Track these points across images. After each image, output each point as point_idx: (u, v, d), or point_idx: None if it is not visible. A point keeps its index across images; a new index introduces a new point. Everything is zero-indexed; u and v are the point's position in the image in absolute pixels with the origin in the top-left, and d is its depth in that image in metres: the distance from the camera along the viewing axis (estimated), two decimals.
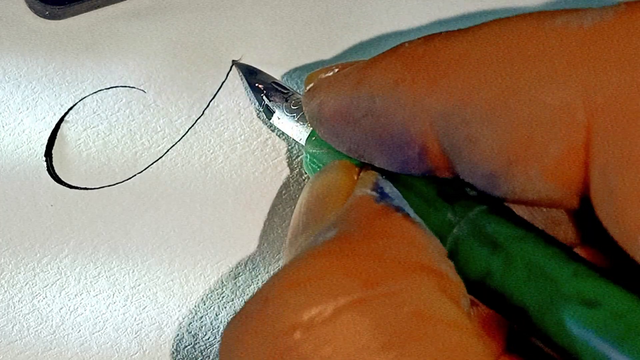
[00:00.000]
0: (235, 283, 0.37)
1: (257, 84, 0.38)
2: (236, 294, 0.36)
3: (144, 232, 0.37)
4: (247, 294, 0.36)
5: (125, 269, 0.37)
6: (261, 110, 0.38)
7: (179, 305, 0.36)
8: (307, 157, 0.34)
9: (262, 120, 0.39)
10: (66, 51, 0.41)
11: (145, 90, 0.40)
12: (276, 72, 0.41)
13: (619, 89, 0.21)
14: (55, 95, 0.40)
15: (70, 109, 0.40)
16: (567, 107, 0.22)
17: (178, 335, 0.36)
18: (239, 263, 0.37)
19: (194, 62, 0.41)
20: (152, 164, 0.39)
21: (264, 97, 0.37)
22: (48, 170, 0.38)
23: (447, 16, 0.44)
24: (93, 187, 0.38)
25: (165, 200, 0.38)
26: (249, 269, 0.37)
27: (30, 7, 0.41)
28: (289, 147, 0.39)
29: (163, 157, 0.39)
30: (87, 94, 0.40)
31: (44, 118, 0.39)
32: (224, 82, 0.41)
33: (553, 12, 0.23)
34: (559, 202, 0.24)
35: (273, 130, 0.39)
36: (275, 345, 0.21)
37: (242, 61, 0.40)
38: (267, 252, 0.37)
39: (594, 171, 0.22)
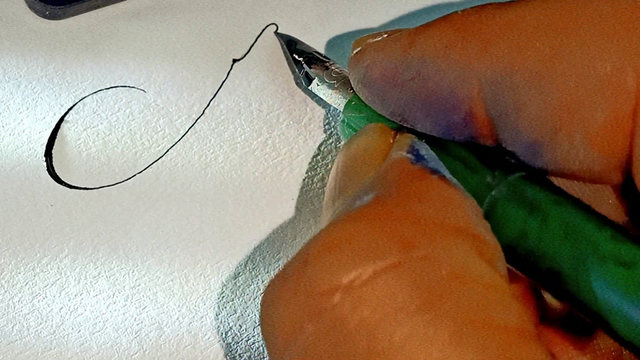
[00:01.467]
0: (235, 283, 0.37)
1: (296, 54, 0.39)
2: (236, 294, 0.36)
3: (143, 232, 0.37)
4: (247, 294, 0.36)
5: (125, 269, 0.37)
6: (300, 78, 0.38)
7: (179, 305, 0.36)
8: (344, 121, 0.34)
9: (302, 88, 0.39)
10: (66, 51, 0.41)
11: (145, 90, 0.40)
12: (281, 74, 0.41)
13: None
14: (55, 95, 0.40)
15: (70, 109, 0.40)
16: (617, 73, 0.21)
17: (178, 335, 0.36)
18: (239, 263, 0.37)
19: (194, 61, 0.41)
20: (152, 163, 0.39)
21: (304, 65, 0.37)
22: (48, 170, 0.38)
23: None
24: (93, 187, 0.38)
25: (165, 200, 0.38)
26: (249, 269, 0.37)
27: (30, 7, 0.41)
28: (289, 147, 0.39)
29: (163, 157, 0.39)
30: (87, 94, 0.40)
31: (44, 118, 0.39)
32: (224, 81, 0.41)
33: None
34: (601, 175, 0.23)
35: (313, 98, 0.39)
36: (314, 305, 0.21)
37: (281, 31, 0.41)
38: (267, 252, 0.37)
39: (638, 141, 0.22)
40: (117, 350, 0.35)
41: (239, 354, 0.36)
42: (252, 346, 0.36)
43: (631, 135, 0.22)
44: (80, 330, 0.35)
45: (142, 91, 0.40)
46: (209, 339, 0.36)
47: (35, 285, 0.36)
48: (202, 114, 0.40)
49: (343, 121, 0.34)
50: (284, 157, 0.39)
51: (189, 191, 0.38)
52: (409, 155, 0.25)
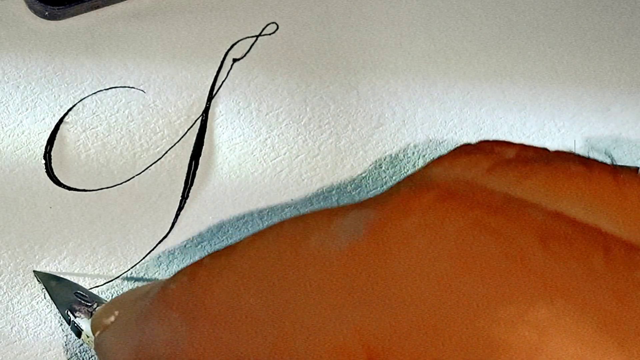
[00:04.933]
0: None
1: (60, 298, 0.36)
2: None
3: (142, 233, 0.37)
4: None
5: (124, 270, 0.37)
6: (69, 325, 0.36)
7: None
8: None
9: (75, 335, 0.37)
10: (65, 52, 0.41)
11: (145, 91, 0.40)
12: (277, 72, 0.41)
13: (394, 324, 0.19)
14: (55, 96, 0.40)
15: (70, 110, 0.40)
16: (343, 348, 0.20)
17: None
18: None
19: (194, 62, 0.41)
20: (151, 165, 0.39)
21: (69, 314, 0.35)
22: (47, 172, 0.38)
23: (447, 16, 0.44)
24: (92, 189, 0.38)
25: (164, 201, 0.38)
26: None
27: (30, 7, 0.41)
28: (289, 147, 0.39)
29: (162, 159, 0.39)
30: (87, 95, 0.40)
31: (43, 119, 0.39)
32: (223, 81, 0.41)
33: (307, 228, 0.22)
34: None
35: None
36: None
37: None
38: None
39: None
40: None
41: None
42: None
43: None
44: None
45: (141, 92, 0.40)
46: None
47: (35, 286, 0.36)
48: (201, 115, 0.40)
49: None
50: (284, 158, 0.39)
51: (188, 192, 0.38)
52: None
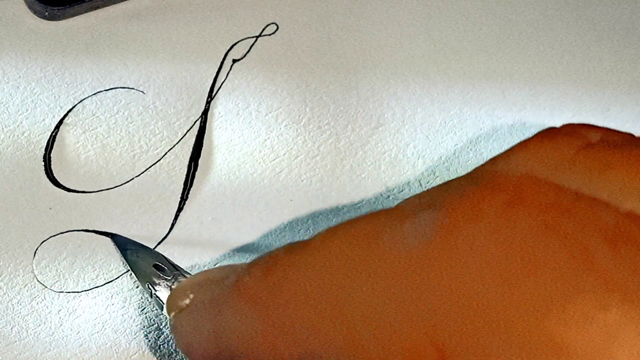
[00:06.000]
0: None
1: (139, 268, 0.36)
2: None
3: (142, 234, 0.37)
4: None
5: (124, 270, 0.37)
6: (151, 298, 0.36)
7: None
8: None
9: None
10: (65, 52, 0.41)
11: (145, 91, 0.40)
12: (277, 72, 0.41)
13: (464, 326, 0.20)
14: (55, 96, 0.40)
15: (70, 111, 0.40)
16: (414, 350, 0.20)
17: None
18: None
19: (194, 62, 0.41)
20: (151, 167, 0.39)
21: (150, 287, 0.35)
22: (46, 173, 0.38)
23: (447, 16, 0.44)
24: (91, 190, 0.38)
25: (164, 202, 0.38)
26: None
27: (29, 7, 0.41)
28: (288, 148, 0.39)
29: (161, 160, 0.39)
30: (86, 96, 0.40)
31: (43, 120, 0.39)
32: (223, 82, 0.41)
33: (379, 226, 0.22)
34: None
35: None
36: None
37: None
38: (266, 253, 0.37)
39: None
40: (116, 351, 0.35)
41: None
42: None
43: None
44: (79, 332, 0.36)
45: (141, 93, 0.40)
46: None
47: (34, 287, 0.36)
48: (200, 116, 0.40)
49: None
50: (283, 158, 0.39)
51: (187, 194, 0.38)
52: None
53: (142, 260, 0.36)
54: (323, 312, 0.22)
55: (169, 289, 0.34)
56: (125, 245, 0.37)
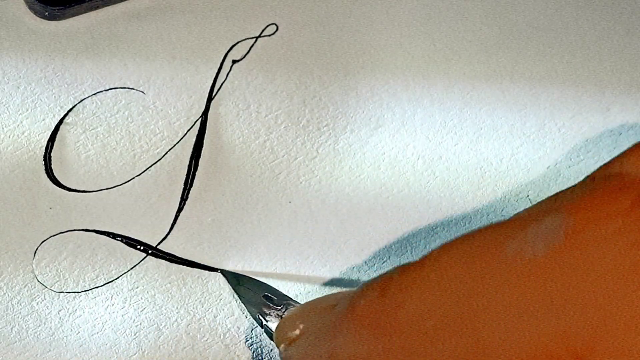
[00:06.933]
0: None
1: (250, 299, 0.36)
2: (234, 296, 0.37)
3: (142, 234, 0.37)
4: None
5: (124, 271, 0.37)
6: (262, 328, 0.36)
7: (177, 307, 0.36)
8: None
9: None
10: (65, 52, 0.41)
11: (145, 92, 0.40)
12: (277, 72, 0.41)
13: (599, 327, 0.20)
14: (55, 96, 0.40)
15: (70, 110, 0.40)
16: (547, 351, 0.20)
17: (176, 336, 0.36)
18: (235, 266, 0.37)
19: (193, 62, 0.41)
20: (151, 166, 0.39)
21: (260, 317, 0.35)
22: (47, 172, 0.38)
23: (447, 16, 0.44)
24: (91, 190, 0.38)
25: (164, 202, 0.38)
26: (247, 271, 0.37)
27: (29, 8, 0.41)
28: (287, 150, 0.39)
29: (161, 160, 0.39)
30: (87, 96, 0.40)
31: (44, 120, 0.39)
32: (223, 83, 0.41)
33: (501, 236, 0.22)
34: None
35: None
36: None
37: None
38: (264, 254, 0.37)
39: None
40: (116, 351, 0.35)
41: (237, 355, 0.36)
42: (250, 347, 0.36)
43: None
44: (79, 332, 0.36)
45: (141, 93, 0.40)
46: (207, 340, 0.36)
47: (34, 287, 0.36)
48: (200, 117, 0.40)
49: None
50: (282, 160, 0.39)
51: (187, 194, 0.38)
52: None
53: (252, 291, 0.36)
54: (446, 328, 0.22)
55: (279, 318, 0.34)
56: (235, 277, 0.37)
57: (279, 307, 0.35)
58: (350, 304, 0.26)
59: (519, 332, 0.21)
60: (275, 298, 0.35)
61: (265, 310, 0.35)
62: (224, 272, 0.37)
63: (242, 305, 0.36)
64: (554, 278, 0.21)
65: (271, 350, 0.36)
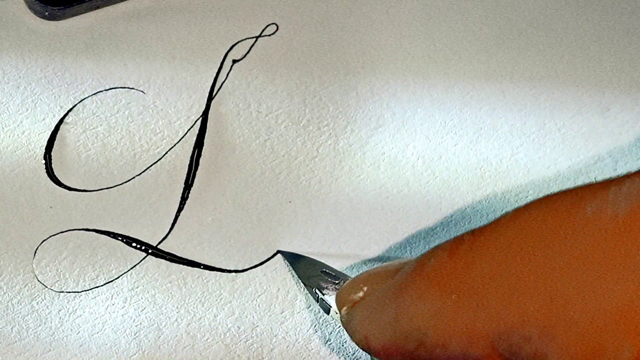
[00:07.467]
0: (232, 285, 0.37)
1: (304, 280, 0.37)
2: (234, 296, 0.37)
3: (142, 234, 0.37)
4: (245, 296, 0.37)
5: (124, 270, 0.37)
6: (317, 303, 0.36)
7: (177, 307, 0.36)
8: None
9: (321, 311, 0.37)
10: (65, 52, 0.41)
11: (145, 91, 0.40)
12: (277, 72, 0.41)
13: None
14: (55, 96, 0.40)
15: (70, 110, 0.40)
16: (630, 306, 0.20)
17: (177, 336, 0.36)
18: (236, 265, 0.37)
19: (194, 62, 0.41)
20: (151, 166, 0.39)
21: (317, 291, 0.35)
22: (47, 172, 0.38)
23: (447, 16, 0.44)
24: (92, 189, 0.38)
25: (164, 202, 0.38)
26: (247, 272, 0.37)
27: (29, 8, 0.41)
28: (288, 149, 0.39)
29: (162, 159, 0.39)
30: (87, 96, 0.40)
31: (44, 119, 0.39)
32: (223, 82, 0.41)
33: (580, 197, 0.22)
34: None
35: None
36: None
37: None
38: (264, 254, 0.37)
39: None
40: (116, 351, 0.35)
41: (238, 355, 0.36)
42: (250, 347, 0.36)
43: None
44: (79, 332, 0.36)
45: (141, 92, 0.40)
46: (207, 340, 0.36)
47: (34, 287, 0.36)
48: (200, 116, 0.40)
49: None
50: (282, 160, 0.39)
51: (188, 193, 0.38)
52: None
53: (310, 267, 0.36)
54: (520, 286, 0.22)
55: (336, 291, 0.34)
56: (294, 256, 0.37)
57: (337, 282, 0.35)
58: (418, 265, 0.26)
59: (599, 291, 0.21)
60: (333, 273, 0.36)
61: (323, 284, 0.35)
62: (282, 252, 0.37)
63: (299, 282, 0.37)
64: (637, 237, 0.20)
65: (271, 350, 0.36)
